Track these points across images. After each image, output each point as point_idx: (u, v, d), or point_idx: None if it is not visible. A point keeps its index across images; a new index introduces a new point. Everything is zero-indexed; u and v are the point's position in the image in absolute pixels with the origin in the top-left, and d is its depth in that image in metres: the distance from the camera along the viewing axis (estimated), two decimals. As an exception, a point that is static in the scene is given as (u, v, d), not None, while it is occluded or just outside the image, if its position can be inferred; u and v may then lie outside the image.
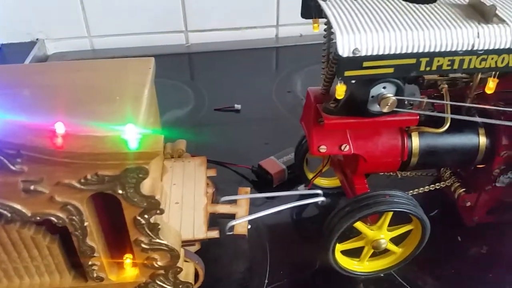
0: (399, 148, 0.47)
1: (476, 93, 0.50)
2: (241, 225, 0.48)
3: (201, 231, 0.44)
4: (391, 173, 0.53)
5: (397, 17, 0.37)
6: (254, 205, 0.58)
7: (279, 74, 0.92)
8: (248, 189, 0.53)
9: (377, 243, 0.47)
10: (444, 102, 0.43)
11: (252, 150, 0.68)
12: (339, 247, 0.48)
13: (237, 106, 0.79)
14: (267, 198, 0.58)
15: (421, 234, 0.47)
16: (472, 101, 0.48)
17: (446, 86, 0.46)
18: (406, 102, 0.43)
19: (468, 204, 0.52)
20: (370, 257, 0.49)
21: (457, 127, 0.47)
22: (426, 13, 0.38)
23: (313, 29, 0.44)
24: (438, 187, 0.54)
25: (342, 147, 0.46)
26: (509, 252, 0.53)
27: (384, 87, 0.40)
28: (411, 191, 0.54)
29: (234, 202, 0.51)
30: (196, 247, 0.47)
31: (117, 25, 1.00)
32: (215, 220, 0.50)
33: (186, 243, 0.43)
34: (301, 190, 0.59)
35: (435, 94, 0.48)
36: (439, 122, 0.46)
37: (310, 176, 0.60)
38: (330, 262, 0.47)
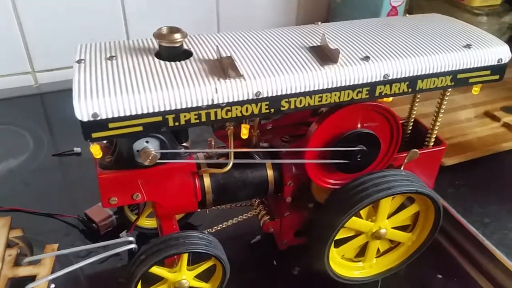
0: (192, 190, 0.49)
1: (269, 128, 0.55)
2: (40, 286, 0.47)
3: (-15, 302, 0.42)
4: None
5: (143, 78, 0.39)
6: (79, 256, 0.58)
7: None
8: (56, 245, 0.52)
9: (179, 284, 0.48)
10: (211, 151, 0.47)
11: (87, 196, 0.67)
12: (145, 293, 0.49)
13: (77, 149, 0.78)
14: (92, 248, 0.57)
15: (222, 268, 0.50)
16: (257, 138, 0.52)
17: (232, 128, 0.49)
18: (182, 153, 0.46)
19: (271, 230, 0.56)
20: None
21: (244, 164, 0.51)
22: (175, 71, 0.40)
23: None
24: (246, 217, 0.57)
25: (134, 196, 0.47)
26: (319, 271, 0.58)
27: (147, 141, 0.42)
28: (225, 223, 0.57)
29: (39, 262, 0.50)
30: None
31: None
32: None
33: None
34: (123, 236, 0.59)
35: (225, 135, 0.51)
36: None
37: (133, 220, 0.60)
38: (134, 310, 0.48)
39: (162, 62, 0.42)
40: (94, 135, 0.37)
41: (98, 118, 0.36)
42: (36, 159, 0.77)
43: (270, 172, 0.52)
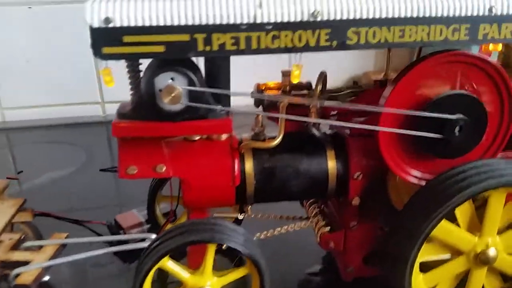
0: (229, 169, 0.39)
1: (333, 114, 0.44)
2: (29, 273, 0.37)
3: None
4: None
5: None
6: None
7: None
8: (65, 234, 0.43)
9: (200, 293, 0.36)
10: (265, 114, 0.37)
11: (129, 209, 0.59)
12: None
13: (127, 166, 0.72)
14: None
15: (259, 279, 0.37)
16: (316, 115, 0.41)
17: (287, 101, 0.40)
18: (218, 110, 0.36)
19: (332, 245, 0.42)
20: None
21: (299, 148, 0.40)
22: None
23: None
24: (298, 228, 0.44)
25: (158, 168, 0.38)
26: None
27: (172, 78, 0.33)
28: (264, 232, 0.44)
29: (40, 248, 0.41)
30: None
31: (30, 96, 0.98)
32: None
33: None
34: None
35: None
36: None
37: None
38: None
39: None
40: (106, 49, 0.30)
41: (111, 25, 0.29)
42: (84, 173, 0.73)
43: (331, 163, 0.40)
